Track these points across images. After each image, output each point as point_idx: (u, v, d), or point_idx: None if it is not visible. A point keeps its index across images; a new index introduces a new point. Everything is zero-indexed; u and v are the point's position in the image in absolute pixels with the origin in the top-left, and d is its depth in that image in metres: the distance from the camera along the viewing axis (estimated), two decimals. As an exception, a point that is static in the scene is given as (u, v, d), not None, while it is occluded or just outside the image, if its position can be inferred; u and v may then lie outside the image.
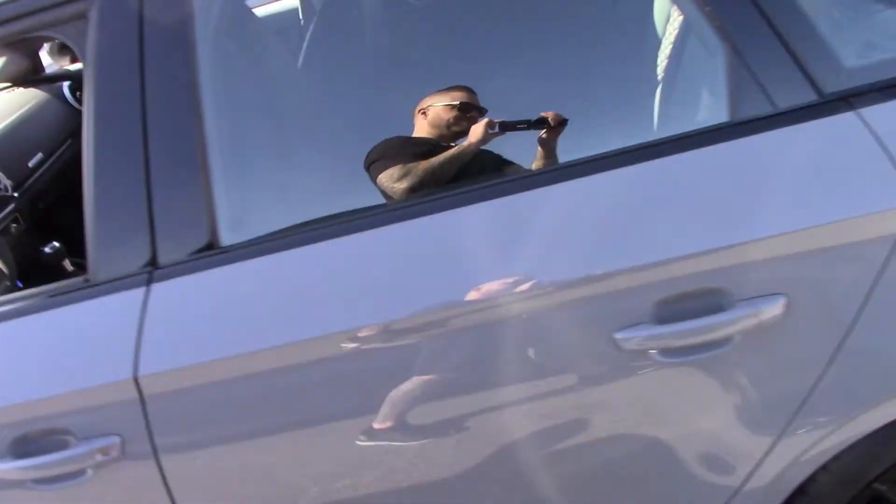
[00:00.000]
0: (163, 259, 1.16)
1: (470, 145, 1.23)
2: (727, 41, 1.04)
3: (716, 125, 1.05)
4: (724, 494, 1.16)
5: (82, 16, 1.16)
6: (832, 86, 1.03)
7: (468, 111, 1.28)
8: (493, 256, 1.07)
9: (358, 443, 1.14)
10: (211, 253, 1.15)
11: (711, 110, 1.07)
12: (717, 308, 1.04)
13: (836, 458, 1.12)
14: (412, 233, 1.09)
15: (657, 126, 1.12)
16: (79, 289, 1.20)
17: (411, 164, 1.22)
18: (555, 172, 1.08)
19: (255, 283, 1.14)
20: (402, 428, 1.11)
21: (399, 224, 1.09)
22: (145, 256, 1.16)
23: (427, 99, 1.30)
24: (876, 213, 0.99)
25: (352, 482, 1.18)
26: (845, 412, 1.07)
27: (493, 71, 1.37)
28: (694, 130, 1.06)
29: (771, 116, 1.04)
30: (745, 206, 1.02)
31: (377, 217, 1.11)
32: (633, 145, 1.06)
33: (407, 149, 1.27)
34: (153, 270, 1.16)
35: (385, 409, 1.11)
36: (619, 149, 1.06)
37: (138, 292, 1.15)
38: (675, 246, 1.02)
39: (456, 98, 1.28)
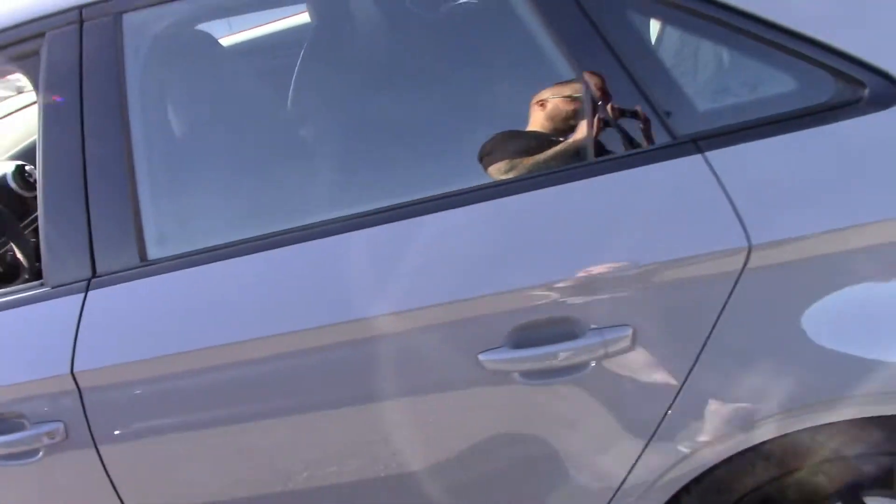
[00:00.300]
0: (100, 269, 1.31)
1: (576, 141, 1.20)
2: (587, 86, 1.11)
3: (575, 164, 1.12)
4: (595, 511, 1.23)
5: (35, 53, 1.32)
6: (684, 128, 1.08)
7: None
8: (375, 279, 1.17)
9: (260, 441, 1.27)
10: (140, 265, 1.29)
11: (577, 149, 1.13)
12: (571, 336, 1.11)
13: (698, 480, 1.17)
14: (302, 255, 1.20)
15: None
16: (35, 291, 1.37)
17: (518, 160, 1.23)
18: (426, 204, 1.16)
19: (175, 292, 1.27)
20: (281, 436, 1.23)
21: (291, 247, 1.20)
22: (86, 267, 1.32)
23: (545, 91, 1.27)
24: (716, 251, 1.04)
25: (258, 474, 1.31)
26: (699, 439, 1.13)
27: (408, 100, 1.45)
28: (555, 168, 1.13)
29: (627, 156, 1.10)
30: (597, 240, 1.09)
31: (276, 239, 1.22)
32: (500, 181, 1.14)
33: (517, 143, 1.28)
34: (91, 279, 1.31)
35: (280, 414, 1.24)
36: (486, 183, 1.15)
37: (77, 298, 1.31)
38: (529, 276, 1.10)
39: (576, 91, 1.22)
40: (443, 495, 1.25)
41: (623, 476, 1.17)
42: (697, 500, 1.19)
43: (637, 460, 1.16)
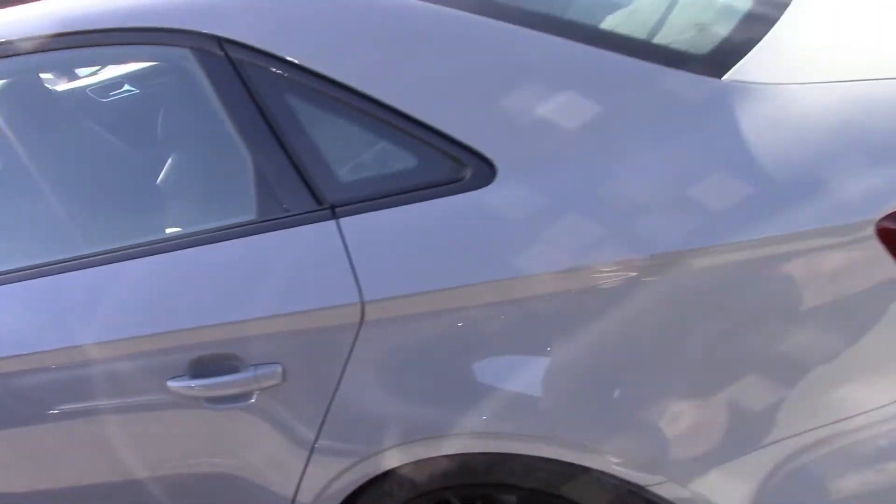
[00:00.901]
0: None
1: None
2: (254, 158, 1.29)
3: (244, 222, 1.30)
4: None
5: None
6: (328, 197, 1.25)
7: None
8: (83, 313, 1.37)
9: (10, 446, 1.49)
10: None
11: (243, 210, 1.31)
12: (235, 370, 1.30)
13: (354, 494, 1.35)
14: (30, 290, 1.41)
15: (208, 219, 1.37)
16: None
17: None
18: (132, 250, 1.35)
19: None
20: (16, 444, 1.45)
21: (22, 283, 1.41)
22: None
23: None
24: (335, 305, 1.22)
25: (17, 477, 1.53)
26: (343, 464, 1.30)
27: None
28: (227, 225, 1.31)
29: (282, 218, 1.28)
30: (252, 290, 1.27)
31: (9, 276, 1.43)
32: (187, 232, 1.33)
33: None
34: None
35: (17, 424, 1.45)
36: (175, 234, 1.34)
37: None
38: (198, 317, 1.29)
39: None
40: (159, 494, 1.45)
41: (292, 494, 1.36)
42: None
43: (301, 480, 1.34)
